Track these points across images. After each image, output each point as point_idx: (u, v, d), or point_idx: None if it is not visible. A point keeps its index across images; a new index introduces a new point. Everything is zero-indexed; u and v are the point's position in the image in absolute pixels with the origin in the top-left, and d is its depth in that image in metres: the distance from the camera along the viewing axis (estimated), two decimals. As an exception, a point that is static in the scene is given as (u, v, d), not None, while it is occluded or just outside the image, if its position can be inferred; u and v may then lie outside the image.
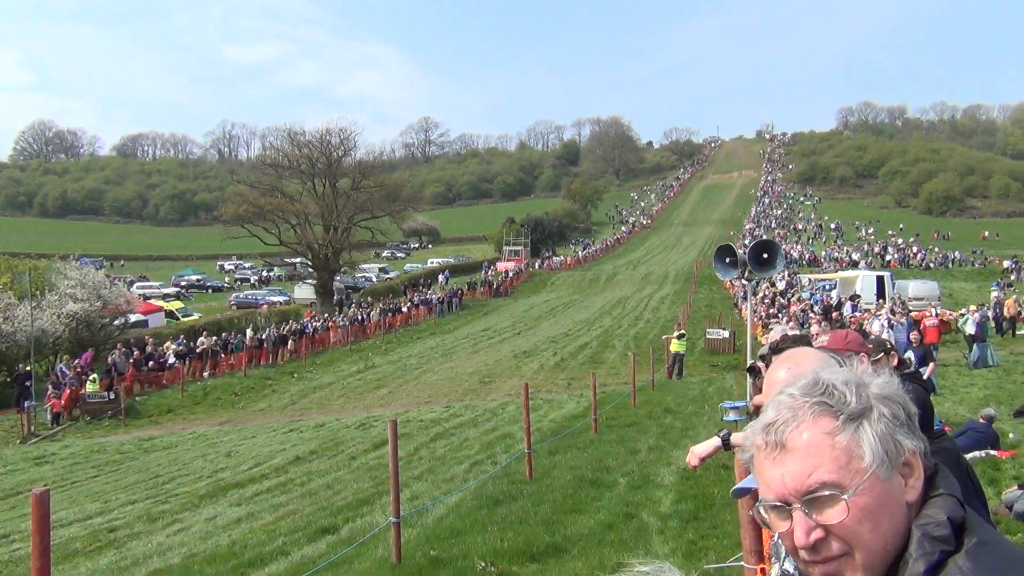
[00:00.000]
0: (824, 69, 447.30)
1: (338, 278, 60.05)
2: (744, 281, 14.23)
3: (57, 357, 33.43)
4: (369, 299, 54.93)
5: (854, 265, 65.48)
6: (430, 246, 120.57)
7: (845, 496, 1.19)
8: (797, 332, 5.18)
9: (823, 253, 77.05)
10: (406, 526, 8.93)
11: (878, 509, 1.20)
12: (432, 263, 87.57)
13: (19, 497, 17.01)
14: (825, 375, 1.28)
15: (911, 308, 33.98)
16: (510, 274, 70.80)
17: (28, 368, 28.68)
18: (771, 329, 16.85)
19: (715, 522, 8.30)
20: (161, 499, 14.84)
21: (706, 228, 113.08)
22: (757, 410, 5.58)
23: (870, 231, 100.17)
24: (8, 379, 31.19)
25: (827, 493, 1.20)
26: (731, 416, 8.59)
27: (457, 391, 28.55)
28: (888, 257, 72.63)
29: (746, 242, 79.43)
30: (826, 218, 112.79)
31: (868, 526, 1.20)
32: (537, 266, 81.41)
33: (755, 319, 32.86)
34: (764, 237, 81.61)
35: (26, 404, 26.97)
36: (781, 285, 50.25)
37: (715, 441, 4.09)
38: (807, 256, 74.89)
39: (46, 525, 4.27)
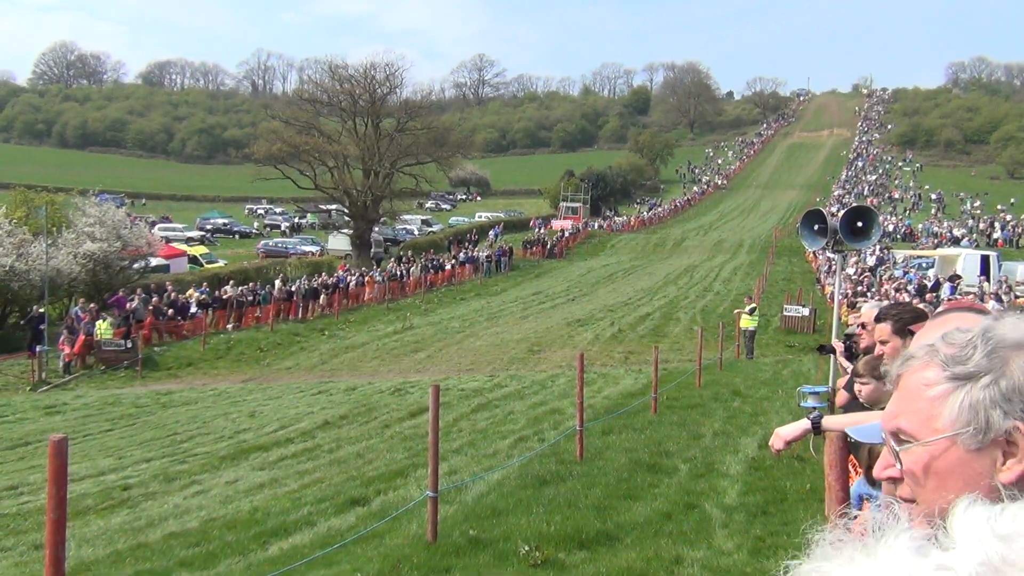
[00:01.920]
0: (934, 17, 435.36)
1: (376, 229, 60.44)
2: (832, 253, 13.99)
3: (72, 300, 34.19)
4: (410, 254, 55.28)
5: (956, 242, 64.02)
6: (479, 198, 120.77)
7: (916, 446, 1.31)
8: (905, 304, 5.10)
9: (921, 227, 75.60)
10: (443, 502, 9.03)
11: (948, 474, 1.27)
12: (480, 217, 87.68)
13: (28, 448, 17.55)
14: (982, 328, 1.32)
15: (1019, 294, 33.24)
16: (566, 234, 70.65)
17: (42, 310, 29.35)
18: (860, 309, 16.60)
19: (786, 518, 8.24)
20: (178, 458, 15.20)
21: (789, 192, 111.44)
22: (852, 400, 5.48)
23: (976, 204, 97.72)
24: (20, 321, 32.03)
25: (904, 439, 1.33)
26: (810, 402, 8.47)
27: (502, 359, 28.68)
28: (995, 235, 70.86)
29: (834, 210, 78.11)
30: (927, 187, 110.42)
31: (933, 485, 1.29)
32: (596, 226, 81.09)
33: (841, 296, 32.48)
34: (854, 204, 79.82)
35: (38, 349, 27.62)
36: (871, 260, 49.41)
37: (804, 424, 4.05)
38: (903, 229, 73.52)
39: (63, 475, 4.38)
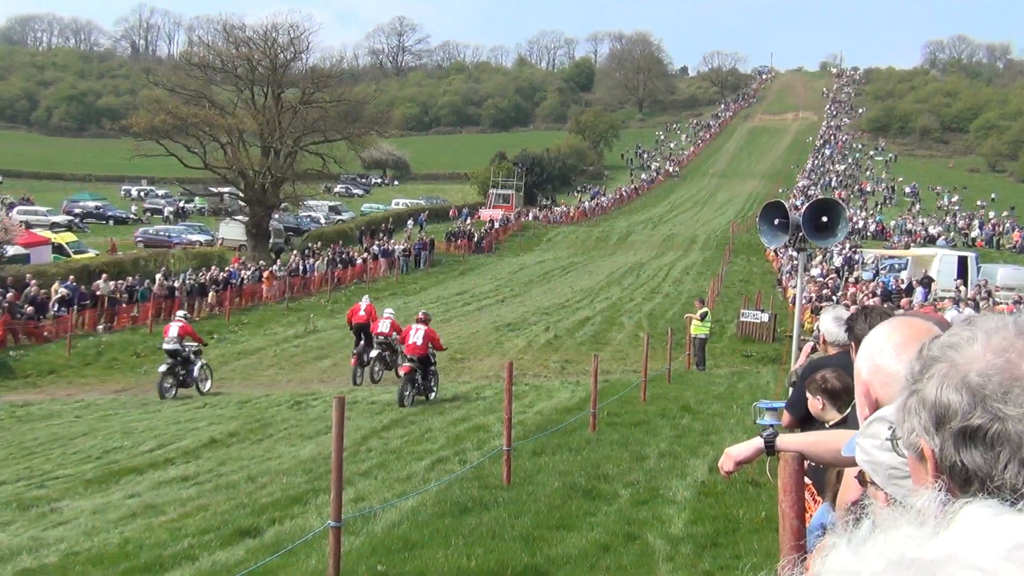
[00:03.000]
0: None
1: (276, 216, 59.83)
2: (794, 251, 14.27)
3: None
4: (315, 245, 54.79)
5: (931, 241, 65.74)
6: (396, 183, 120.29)
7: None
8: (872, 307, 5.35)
9: (893, 223, 77.45)
10: (348, 533, 8.95)
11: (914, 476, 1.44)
12: (398, 204, 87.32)
13: None
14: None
15: (998, 300, 34.23)
16: (496, 225, 70.85)
17: None
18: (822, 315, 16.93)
19: (738, 551, 8.35)
20: (36, 482, 14.83)
21: (749, 182, 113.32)
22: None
23: (954, 200, 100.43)
24: None
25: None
26: (767, 419, 8.62)
27: (420, 369, 28.58)
28: (974, 234, 72.95)
29: (798, 203, 79.68)
30: (900, 179, 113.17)
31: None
32: (531, 217, 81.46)
33: (804, 301, 33.05)
34: (820, 195, 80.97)
35: None
36: (838, 260, 50.46)
37: (757, 443, 4.08)
38: (873, 226, 75.25)
39: None
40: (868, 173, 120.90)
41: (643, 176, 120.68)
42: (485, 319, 37.90)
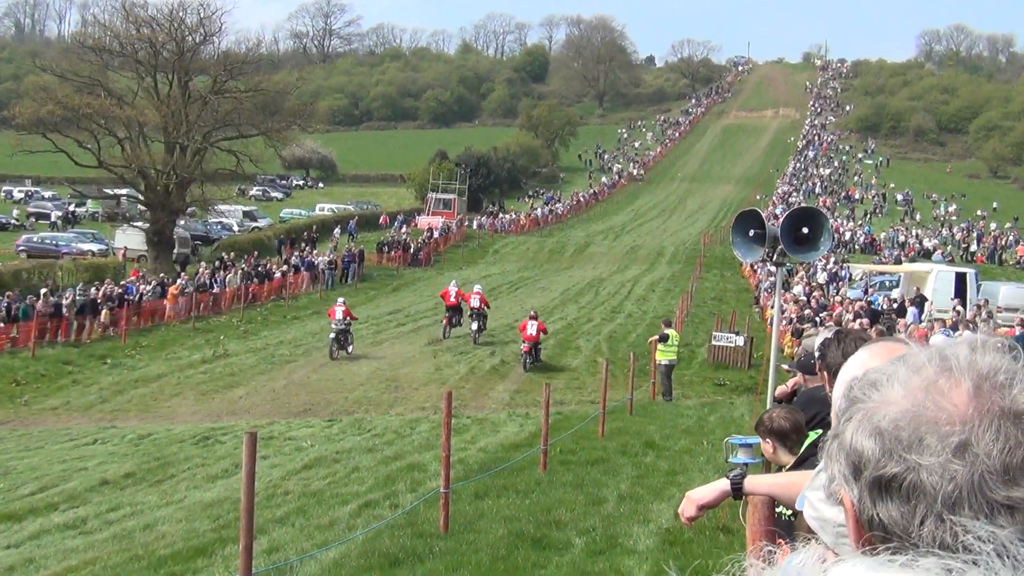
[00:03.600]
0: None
1: (182, 223, 59.25)
2: (772, 266, 14.39)
3: None
4: (227, 257, 54.35)
5: (926, 256, 66.57)
6: (321, 185, 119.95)
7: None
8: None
9: (884, 235, 78.23)
10: (259, 590, 8.83)
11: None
12: (323, 210, 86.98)
13: None
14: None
15: (1000, 322, 34.73)
16: (436, 234, 70.74)
17: None
18: (805, 339, 17.07)
19: (707, 608, 8.35)
20: None
21: (722, 187, 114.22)
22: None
23: (952, 209, 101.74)
24: None
25: None
26: (740, 457, 8.68)
27: (347, 399, 28.49)
28: (973, 248, 74.00)
29: (778, 211, 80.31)
30: (892, 185, 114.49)
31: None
32: (476, 225, 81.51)
33: (784, 322, 33.29)
34: (803, 204, 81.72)
35: None
36: (823, 277, 51.00)
37: (722, 484, 4.09)
38: (862, 238, 76.07)
39: None
40: (856, 178, 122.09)
41: (603, 179, 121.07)
42: (422, 342, 37.79)
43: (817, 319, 33.40)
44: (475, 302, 36.97)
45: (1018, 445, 1.23)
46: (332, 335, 34.61)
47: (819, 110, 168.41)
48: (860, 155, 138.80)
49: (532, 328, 32.07)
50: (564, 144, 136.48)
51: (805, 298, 40.96)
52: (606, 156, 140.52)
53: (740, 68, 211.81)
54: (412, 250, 64.47)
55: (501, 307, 47.69)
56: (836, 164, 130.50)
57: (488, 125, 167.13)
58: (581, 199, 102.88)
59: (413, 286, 55.38)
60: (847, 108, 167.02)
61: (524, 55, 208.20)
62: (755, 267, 50.63)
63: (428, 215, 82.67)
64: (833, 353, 4.43)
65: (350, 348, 34.56)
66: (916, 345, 2.61)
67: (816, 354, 6.09)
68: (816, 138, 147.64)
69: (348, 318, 35.12)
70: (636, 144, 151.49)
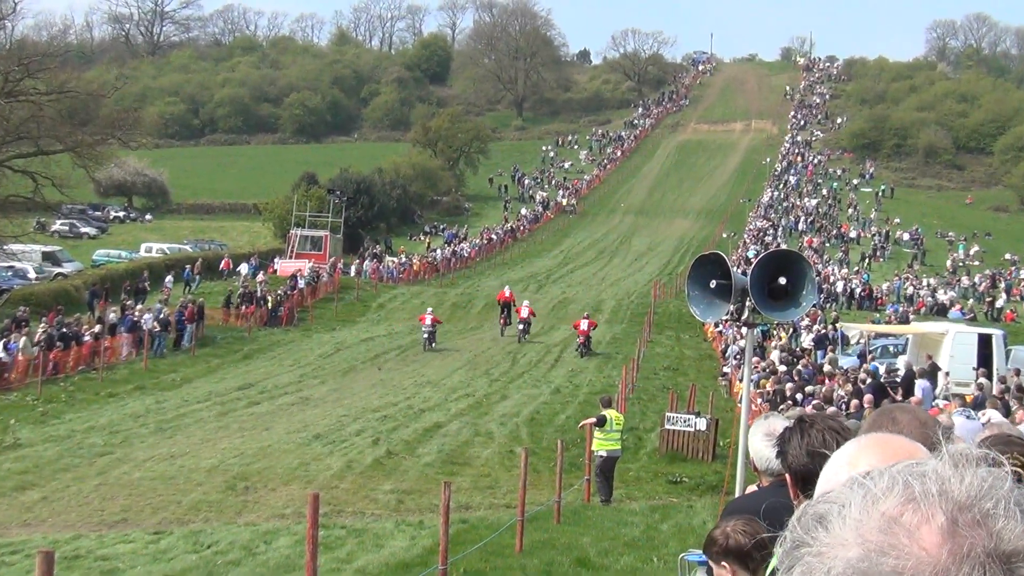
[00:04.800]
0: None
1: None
2: (742, 327, 14.59)
3: None
4: (20, 313, 53.60)
5: (941, 312, 67.45)
6: (149, 218, 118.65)
7: None
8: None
9: (887, 285, 78.98)
10: None
11: None
12: (149, 251, 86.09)
13: None
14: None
15: (1037, 398, 35.31)
16: (301, 283, 70.40)
17: None
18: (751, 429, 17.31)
19: None
20: None
21: (678, 222, 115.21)
22: None
23: (973, 252, 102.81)
24: None
25: None
26: (700, 577, 8.79)
27: (180, 503, 28.06)
28: (1001, 303, 74.71)
29: (750, 253, 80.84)
30: (897, 221, 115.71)
31: None
32: (355, 271, 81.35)
33: (757, 399, 33.61)
34: (782, 245, 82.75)
35: None
36: (807, 340, 51.54)
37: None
38: (858, 288, 76.73)
39: None
40: (851, 211, 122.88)
41: (523, 211, 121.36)
42: (282, 426, 37.52)
43: (799, 396, 33.75)
44: (524, 313, 57.96)
45: None
46: (425, 335, 55.46)
47: (802, 123, 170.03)
48: (855, 181, 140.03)
49: (583, 325, 53.09)
50: (471, 165, 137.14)
51: (785, 368, 41.36)
52: (527, 181, 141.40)
53: (700, 67, 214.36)
54: (269, 305, 64.08)
55: (388, 379, 47.68)
56: (825, 193, 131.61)
57: (371, 139, 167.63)
58: (494, 237, 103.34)
59: (270, 352, 55.08)
60: (838, 120, 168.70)
61: (419, 48, 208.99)
62: (719, 328, 51.14)
63: (291, 258, 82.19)
64: (795, 449, 4.50)
65: (433, 344, 55.62)
66: (923, 428, 2.66)
67: (770, 451, 6.14)
68: (799, 159, 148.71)
69: (436, 323, 56.33)
70: (566, 165, 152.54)
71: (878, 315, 66.00)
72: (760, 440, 6.54)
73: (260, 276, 73.81)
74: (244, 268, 77.62)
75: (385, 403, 41.40)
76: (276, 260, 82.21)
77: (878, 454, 2.36)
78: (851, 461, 2.37)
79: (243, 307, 63.59)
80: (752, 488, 7.76)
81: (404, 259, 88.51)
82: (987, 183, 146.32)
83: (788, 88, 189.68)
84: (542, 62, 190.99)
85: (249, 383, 46.91)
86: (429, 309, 58.33)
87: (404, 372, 50.05)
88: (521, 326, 57.53)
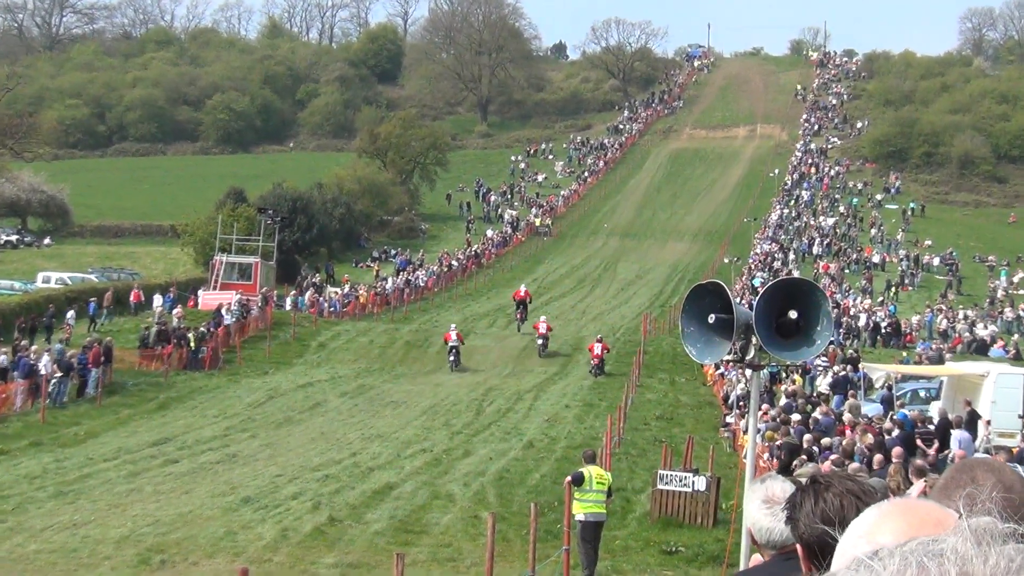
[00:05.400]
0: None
1: None
2: (746, 369, 14.44)
3: None
4: None
5: (981, 350, 67.51)
6: (49, 242, 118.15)
7: None
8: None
9: (916, 319, 79.14)
10: None
11: None
12: (48, 281, 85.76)
13: None
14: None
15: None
16: (227, 319, 70.09)
17: None
18: (746, 495, 17.12)
19: None
20: None
21: (672, 245, 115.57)
22: None
23: (1017, 278, 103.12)
24: None
25: None
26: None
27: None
28: (1050, 338, 74.96)
29: (756, 282, 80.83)
30: (928, 243, 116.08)
31: None
32: (292, 304, 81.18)
33: (767, 455, 33.47)
34: (794, 272, 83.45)
35: None
36: (824, 384, 51.46)
37: None
38: (883, 322, 76.74)
39: None
40: (874, 232, 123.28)
41: (489, 233, 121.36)
42: (204, 489, 37.30)
43: (815, 450, 33.61)
44: (542, 328, 67.36)
45: None
46: (451, 357, 63.16)
47: (816, 127, 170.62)
48: (879, 196, 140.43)
49: (598, 348, 61.26)
50: (427, 179, 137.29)
51: (798, 417, 41.20)
52: (493, 197, 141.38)
53: (696, 63, 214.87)
54: (191, 345, 63.78)
55: (330, 431, 47.42)
56: (843, 210, 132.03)
57: (309, 149, 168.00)
58: (454, 264, 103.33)
59: (191, 401, 54.66)
60: (859, 125, 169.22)
61: (365, 41, 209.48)
62: (721, 369, 51.06)
63: (215, 289, 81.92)
64: (807, 516, 4.35)
65: (459, 364, 63.54)
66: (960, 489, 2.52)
67: (772, 521, 5.98)
68: (813, 170, 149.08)
69: (461, 341, 64.08)
70: (539, 178, 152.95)
71: (906, 354, 66.04)
72: (758, 508, 6.42)
73: (178, 311, 73.56)
74: (159, 301, 77.28)
75: (327, 460, 41.19)
76: (198, 292, 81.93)
77: (901, 525, 2.28)
78: (869, 532, 2.31)
79: (158, 347, 63.31)
80: (757, 559, 7.65)
81: (349, 290, 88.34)
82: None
83: (799, 87, 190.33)
84: (510, 57, 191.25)
85: (166, 437, 46.51)
86: (452, 325, 67.14)
87: (350, 424, 49.77)
88: (540, 341, 66.66)
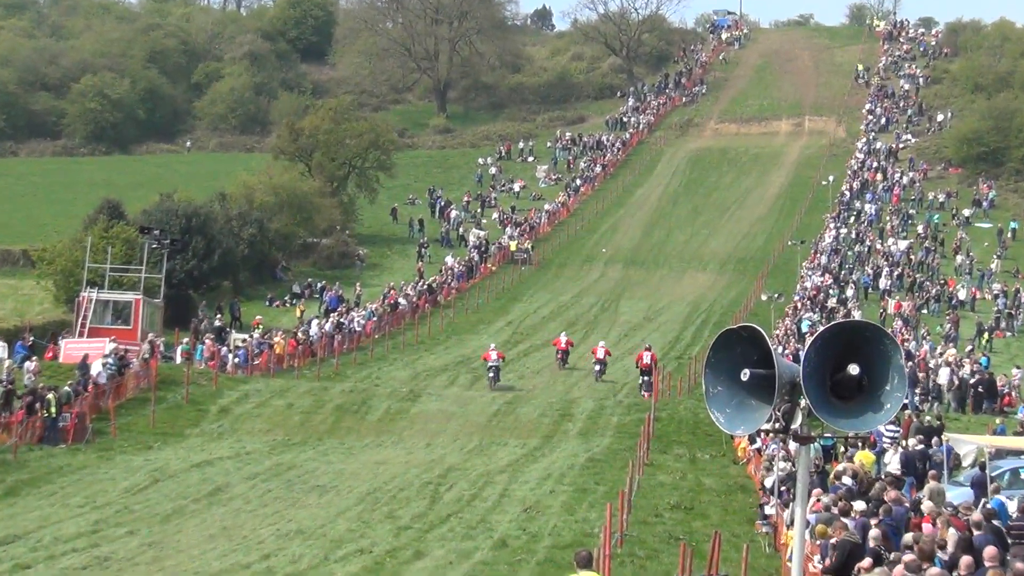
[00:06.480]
0: None
1: None
2: (791, 443, 14.36)
3: None
4: None
5: (1100, 413, 67.59)
6: None
7: None
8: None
9: (1017, 373, 79.25)
10: None
11: None
12: None
13: None
14: None
15: None
16: (102, 377, 69.93)
17: None
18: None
19: None
20: None
21: (692, 276, 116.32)
22: None
23: None
24: None
25: None
26: None
27: None
28: None
29: (804, 326, 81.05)
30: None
31: None
32: (182, 355, 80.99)
33: (816, 555, 33.44)
34: (855, 314, 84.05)
35: None
36: (895, 461, 51.48)
37: None
38: (973, 378, 76.77)
39: None
40: (960, 260, 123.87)
41: (448, 260, 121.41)
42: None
43: (882, 550, 33.57)
44: (600, 353, 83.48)
45: None
46: (491, 373, 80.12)
47: (884, 121, 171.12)
48: (967, 212, 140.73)
49: (646, 357, 77.73)
50: (367, 188, 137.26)
51: (861, 506, 41.19)
52: (453, 213, 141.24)
53: (725, 36, 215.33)
54: (48, 410, 63.63)
55: (233, 527, 47.24)
56: (920, 231, 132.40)
57: (209, 149, 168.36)
58: (402, 302, 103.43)
59: (49, 485, 54.31)
60: (939, 118, 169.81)
61: (284, 7, 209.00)
62: (759, 442, 51.11)
63: (82, 335, 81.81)
64: None
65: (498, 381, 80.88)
66: None
67: None
68: (879, 177, 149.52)
69: (501, 359, 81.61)
70: (516, 188, 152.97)
71: (1003, 421, 65.97)
72: None
73: (32, 364, 73.30)
74: (6, 352, 77.19)
75: (230, 565, 41.06)
76: (59, 339, 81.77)
77: None
78: None
79: (5, 414, 63.19)
80: None
81: (261, 337, 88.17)
82: None
83: (860, 67, 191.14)
84: (477, 28, 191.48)
85: (15, 535, 46.21)
86: (492, 345, 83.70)
87: (261, 516, 49.53)
88: (598, 367, 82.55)
